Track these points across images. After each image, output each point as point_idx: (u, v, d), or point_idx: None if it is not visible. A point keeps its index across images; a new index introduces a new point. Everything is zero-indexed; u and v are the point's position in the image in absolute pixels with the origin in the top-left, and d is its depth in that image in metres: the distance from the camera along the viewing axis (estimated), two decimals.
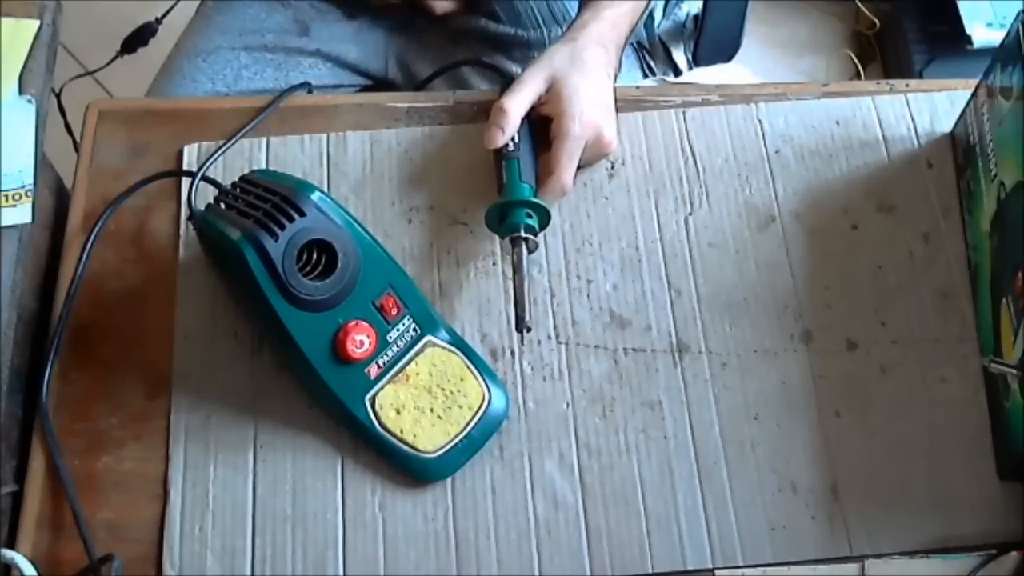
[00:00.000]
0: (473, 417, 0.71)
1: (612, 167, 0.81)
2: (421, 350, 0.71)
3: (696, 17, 1.03)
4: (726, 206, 0.80)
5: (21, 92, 0.75)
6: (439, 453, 0.70)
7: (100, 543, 0.68)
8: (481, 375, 0.72)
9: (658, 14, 1.01)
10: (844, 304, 0.77)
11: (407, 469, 0.70)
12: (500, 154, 0.76)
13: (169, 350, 0.74)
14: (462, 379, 0.71)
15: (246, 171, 0.73)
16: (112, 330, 0.75)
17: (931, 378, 0.74)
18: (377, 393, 0.70)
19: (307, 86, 0.90)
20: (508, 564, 0.69)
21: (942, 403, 0.74)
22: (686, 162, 0.82)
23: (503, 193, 0.75)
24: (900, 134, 0.83)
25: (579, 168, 0.77)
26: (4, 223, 0.72)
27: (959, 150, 0.81)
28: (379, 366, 0.70)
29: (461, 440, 0.70)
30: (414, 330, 0.71)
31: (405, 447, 0.70)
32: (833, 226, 0.79)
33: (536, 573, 0.68)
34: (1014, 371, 0.68)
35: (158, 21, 0.95)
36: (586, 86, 0.75)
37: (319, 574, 0.68)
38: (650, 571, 0.69)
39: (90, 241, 0.77)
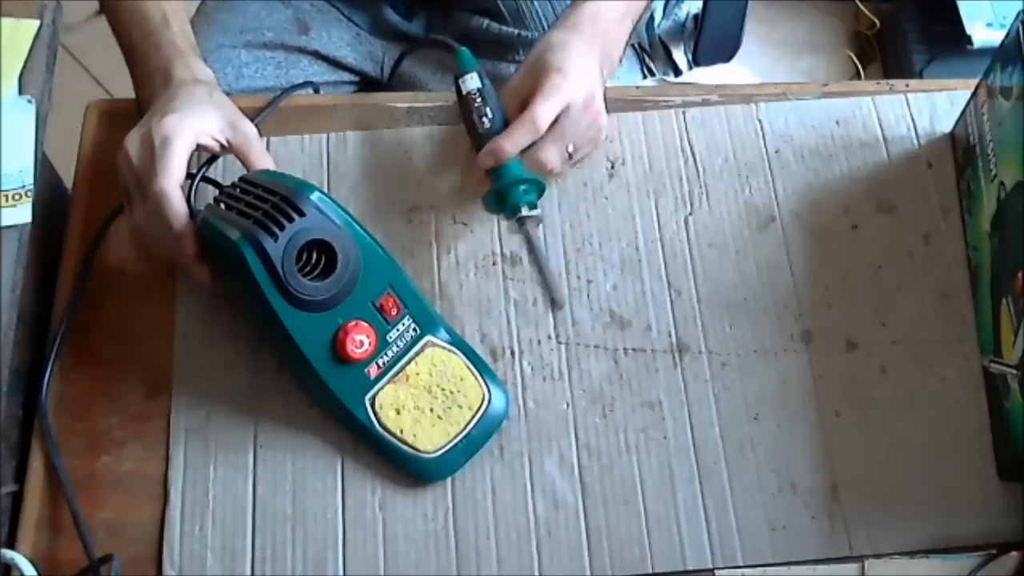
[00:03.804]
0: (473, 417, 0.71)
1: (612, 167, 0.81)
2: (421, 350, 0.71)
3: (696, 17, 1.03)
4: (726, 206, 0.80)
5: (21, 92, 0.75)
6: (439, 453, 0.70)
7: (100, 543, 0.68)
8: (481, 375, 0.72)
9: (658, 14, 1.01)
10: (844, 304, 0.77)
11: (407, 469, 0.70)
12: (478, 135, 0.74)
13: (169, 350, 0.74)
14: (462, 379, 0.71)
15: (246, 171, 0.73)
16: (112, 330, 0.75)
17: (931, 378, 0.74)
18: (377, 393, 0.70)
19: (311, 85, 0.90)
20: (508, 564, 0.69)
21: (942, 403, 0.74)
22: (686, 162, 0.82)
23: (494, 176, 0.73)
24: (900, 134, 0.83)
25: (577, 159, 0.76)
26: (4, 223, 0.72)
27: (959, 150, 0.81)
28: (379, 366, 0.70)
29: (461, 440, 0.70)
30: (414, 330, 0.71)
31: (405, 447, 0.70)
32: (833, 226, 0.79)
33: (536, 573, 0.68)
34: (1014, 371, 0.68)
35: None
36: (569, 58, 0.73)
37: (319, 574, 0.68)
38: (650, 571, 0.69)
39: (90, 242, 0.77)
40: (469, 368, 0.72)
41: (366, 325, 0.68)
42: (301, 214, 0.65)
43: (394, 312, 0.70)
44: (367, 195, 0.80)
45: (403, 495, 0.70)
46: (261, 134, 0.76)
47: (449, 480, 0.71)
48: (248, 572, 0.68)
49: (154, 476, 0.71)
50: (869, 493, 0.71)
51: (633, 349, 0.75)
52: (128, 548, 0.68)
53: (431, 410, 0.71)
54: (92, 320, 0.76)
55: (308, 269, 0.67)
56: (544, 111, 0.71)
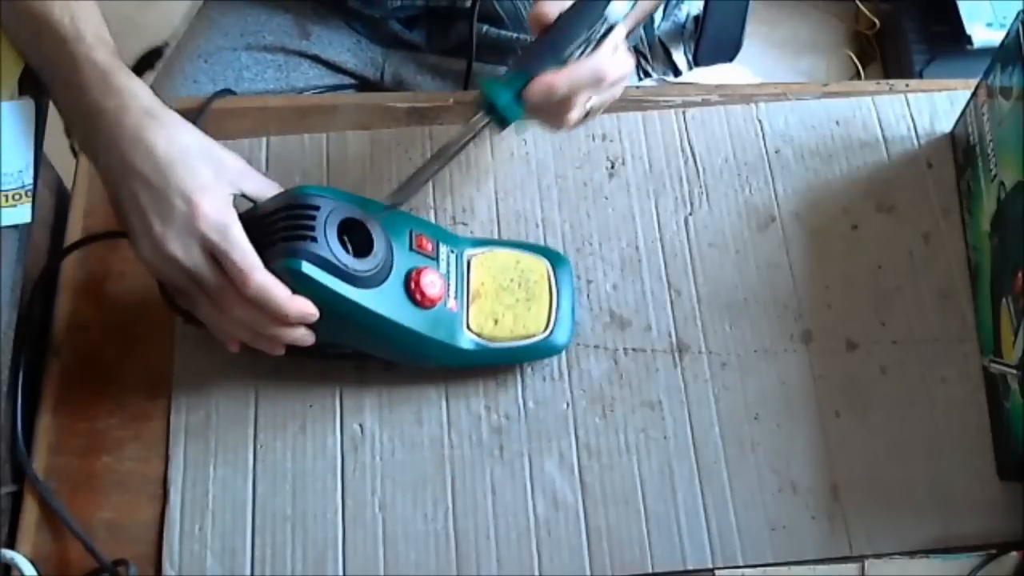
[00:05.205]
0: (550, 281, 0.73)
1: (612, 167, 0.81)
2: (469, 265, 0.73)
3: (696, 18, 1.03)
4: (726, 206, 0.80)
5: (21, 92, 0.75)
6: (552, 327, 0.72)
7: (100, 543, 0.68)
8: (526, 250, 0.75)
9: (658, 15, 1.01)
10: (844, 304, 0.77)
11: (542, 357, 0.73)
12: (561, 57, 0.67)
13: (169, 350, 0.74)
14: (517, 262, 0.74)
15: None
16: (112, 330, 0.75)
17: (931, 378, 0.74)
18: (470, 320, 0.71)
19: (230, 92, 0.87)
20: (508, 564, 0.69)
21: (942, 403, 0.74)
22: (686, 162, 0.82)
23: (509, 78, 0.68)
24: (900, 134, 0.83)
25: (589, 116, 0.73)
26: (4, 223, 0.72)
27: (959, 150, 0.81)
28: (455, 297, 0.71)
29: (558, 306, 0.72)
30: (453, 252, 0.72)
31: (526, 342, 0.71)
32: (833, 226, 0.79)
33: (536, 573, 0.68)
34: (1014, 371, 0.68)
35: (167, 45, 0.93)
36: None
37: (319, 574, 0.68)
38: (650, 571, 0.69)
39: (90, 241, 0.77)
40: (514, 252, 0.74)
41: (424, 268, 0.69)
42: (316, 208, 0.64)
43: (429, 247, 0.70)
44: (367, 195, 0.79)
45: (403, 495, 0.70)
46: (261, 134, 0.76)
47: (449, 480, 0.71)
48: (248, 572, 0.68)
49: (154, 476, 0.71)
50: (869, 493, 0.71)
51: (633, 349, 0.75)
52: (128, 548, 0.68)
53: (518, 301, 0.72)
54: (92, 320, 0.76)
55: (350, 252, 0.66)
56: (613, 64, 0.68)
